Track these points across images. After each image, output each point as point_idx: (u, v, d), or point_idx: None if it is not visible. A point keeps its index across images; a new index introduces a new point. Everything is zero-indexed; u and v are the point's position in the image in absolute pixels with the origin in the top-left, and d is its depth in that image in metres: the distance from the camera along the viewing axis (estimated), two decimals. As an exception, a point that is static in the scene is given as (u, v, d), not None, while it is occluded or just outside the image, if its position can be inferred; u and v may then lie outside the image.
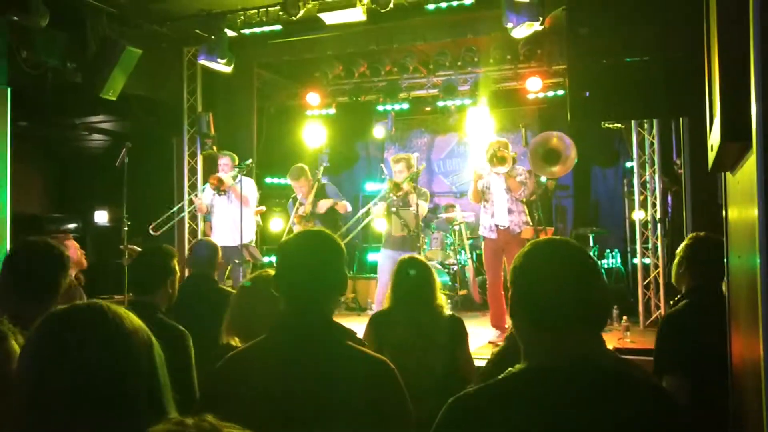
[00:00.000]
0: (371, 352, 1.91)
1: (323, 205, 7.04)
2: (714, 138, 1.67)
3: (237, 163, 7.08)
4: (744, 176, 1.51)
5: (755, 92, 1.24)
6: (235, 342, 2.51)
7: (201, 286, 4.18)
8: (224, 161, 7.16)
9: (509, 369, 1.50)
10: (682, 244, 3.14)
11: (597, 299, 1.51)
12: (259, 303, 2.52)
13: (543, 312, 1.48)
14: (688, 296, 3.05)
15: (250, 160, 7.15)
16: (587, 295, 1.48)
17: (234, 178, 6.94)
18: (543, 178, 8.32)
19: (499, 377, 1.51)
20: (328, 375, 1.81)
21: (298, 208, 7.11)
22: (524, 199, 6.47)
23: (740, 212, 1.61)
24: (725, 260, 2.00)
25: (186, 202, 8.12)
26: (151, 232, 7.15)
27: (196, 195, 7.46)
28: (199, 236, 8.64)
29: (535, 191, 8.47)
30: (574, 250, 1.56)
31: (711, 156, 1.77)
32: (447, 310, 3.67)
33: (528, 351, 1.51)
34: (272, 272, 2.66)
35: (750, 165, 1.37)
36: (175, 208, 7.29)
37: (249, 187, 7.16)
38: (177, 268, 3.20)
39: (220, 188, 6.83)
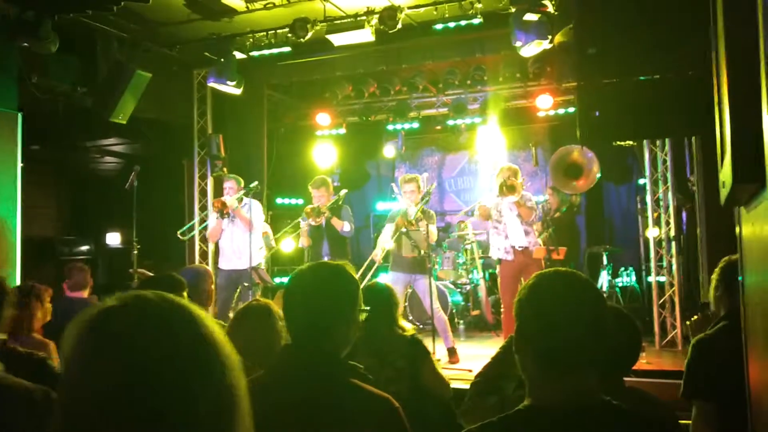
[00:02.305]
0: (375, 390, 1.85)
1: (336, 222, 6.97)
2: (725, 176, 1.61)
3: (242, 185, 7.03)
4: (758, 217, 1.45)
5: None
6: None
7: None
8: (229, 184, 7.13)
9: (516, 408, 1.44)
10: (718, 267, 3.09)
11: (608, 337, 1.45)
12: (252, 334, 2.46)
13: (551, 350, 1.43)
14: (727, 319, 2.98)
15: (255, 183, 7.11)
16: (598, 333, 1.43)
17: (239, 200, 6.91)
18: (567, 194, 8.27)
19: (504, 415, 1.45)
20: (330, 413, 1.76)
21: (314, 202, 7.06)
22: (533, 223, 6.45)
23: (758, 248, 1.56)
24: (741, 276, 1.95)
25: (200, 220, 8.07)
26: (179, 236, 7.12)
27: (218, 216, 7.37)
28: (210, 260, 8.60)
29: (559, 208, 8.41)
30: (582, 284, 1.50)
31: (723, 192, 1.71)
32: (409, 332, 3.55)
33: (534, 389, 1.45)
34: (264, 301, 2.62)
35: (765, 209, 1.33)
36: (190, 223, 7.20)
37: (255, 210, 7.13)
38: (185, 296, 3.13)
39: (223, 211, 6.80)
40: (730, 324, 2.91)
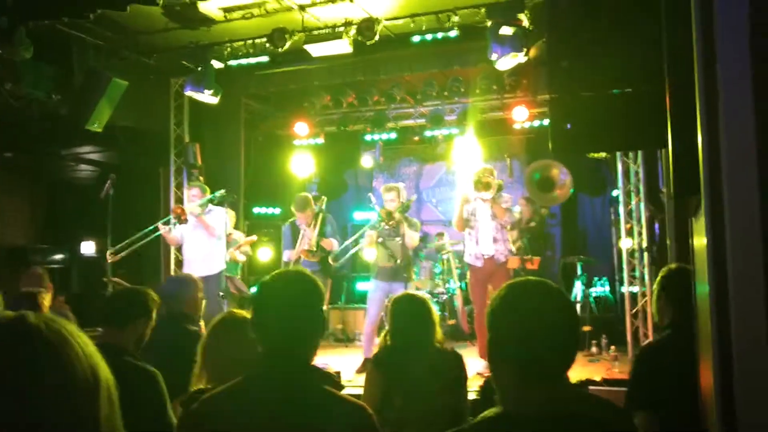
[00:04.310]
0: (350, 398, 1.88)
1: (326, 243, 6.97)
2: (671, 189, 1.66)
3: (207, 193, 7.01)
4: (700, 228, 1.49)
5: (702, 146, 1.23)
6: (205, 387, 2.42)
7: (169, 328, 3.62)
8: (193, 192, 7.13)
9: (483, 413, 1.44)
10: (658, 277, 3.10)
11: (575, 344, 1.47)
12: (229, 346, 2.44)
13: (529, 360, 1.44)
14: (670, 328, 2.99)
15: (222, 191, 7.09)
16: (568, 341, 1.45)
17: (202, 207, 6.87)
18: (537, 206, 8.34)
19: (475, 421, 1.46)
20: (305, 421, 1.77)
21: (301, 240, 7.00)
22: (509, 227, 6.46)
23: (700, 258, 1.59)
24: (693, 291, 1.98)
25: (164, 225, 7.90)
26: (108, 258, 6.75)
27: (164, 222, 7.34)
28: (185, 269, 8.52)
29: (533, 218, 8.48)
30: (552, 293, 1.52)
31: (673, 204, 1.77)
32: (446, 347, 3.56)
33: (507, 396, 1.46)
34: (240, 312, 2.60)
35: (702, 220, 1.37)
36: (139, 234, 7.07)
37: (217, 216, 7.08)
38: (153, 313, 3.08)
39: (181, 217, 6.77)
40: (673, 333, 2.93)
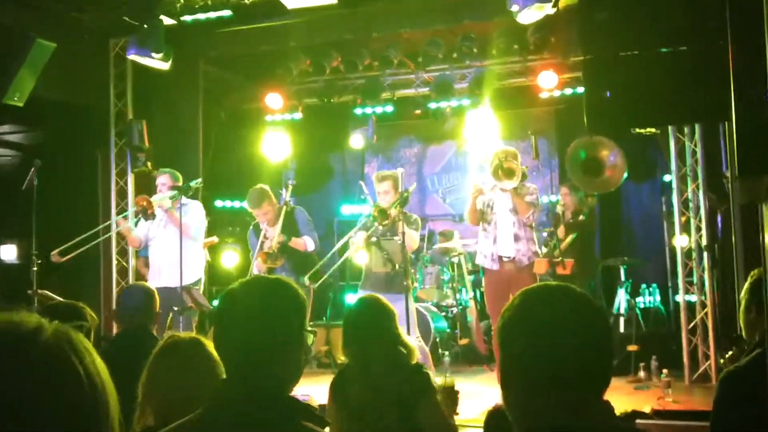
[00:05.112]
0: None
1: (297, 243, 6.96)
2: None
3: (180, 182, 7.01)
4: None
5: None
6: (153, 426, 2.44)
7: (137, 344, 3.67)
8: (162, 180, 7.12)
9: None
10: (747, 282, 3.12)
11: (607, 363, 1.48)
12: (175, 377, 2.45)
13: (542, 384, 1.44)
14: (762, 346, 3.01)
15: (198, 180, 7.07)
16: (599, 359, 1.45)
17: (172, 199, 6.87)
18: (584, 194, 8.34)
19: None
20: None
21: (262, 243, 7.01)
22: (533, 224, 6.47)
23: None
24: (764, 292, 1.98)
25: (116, 223, 7.89)
26: (53, 259, 6.75)
27: (124, 217, 7.32)
28: (131, 278, 8.52)
29: (581, 210, 8.44)
30: (578, 300, 1.52)
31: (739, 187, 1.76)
32: (414, 358, 3.64)
33: (521, 428, 1.47)
34: (185, 336, 2.61)
35: None
36: (92, 231, 7.05)
37: (194, 212, 7.10)
38: (91, 333, 3.10)
39: (147, 211, 6.76)
40: (763, 352, 2.94)
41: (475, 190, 6.51)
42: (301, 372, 2.00)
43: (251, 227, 7.43)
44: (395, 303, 6.50)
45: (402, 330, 3.72)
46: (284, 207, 7.06)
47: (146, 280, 8.31)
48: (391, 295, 6.51)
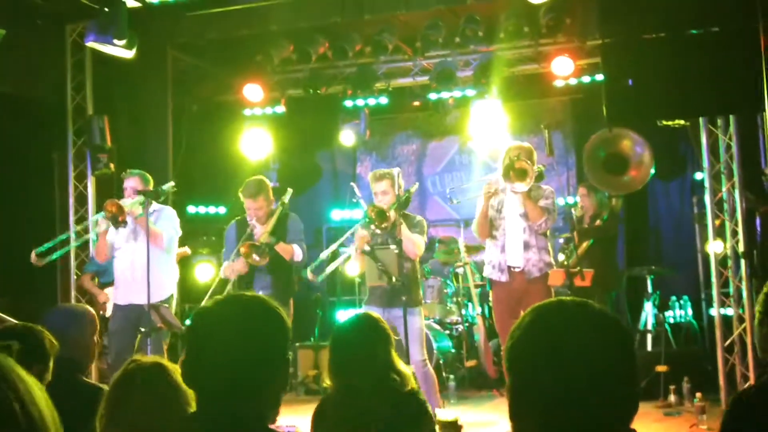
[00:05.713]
0: None
1: (284, 249, 6.96)
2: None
3: (151, 186, 6.99)
4: None
5: None
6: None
7: (61, 380, 3.31)
8: (131, 183, 7.07)
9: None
10: (761, 294, 3.11)
11: (632, 387, 1.48)
12: (139, 408, 2.45)
13: (556, 412, 1.45)
14: None
15: (171, 184, 7.06)
16: (621, 384, 1.45)
17: (141, 205, 6.86)
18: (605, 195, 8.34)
19: None
20: None
21: (250, 234, 6.97)
22: (546, 232, 6.46)
23: None
24: None
25: (95, 222, 7.86)
26: (33, 261, 6.76)
27: (96, 223, 7.28)
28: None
29: (600, 213, 8.44)
30: (596, 317, 1.52)
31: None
32: (408, 385, 3.60)
33: None
34: (149, 360, 2.60)
35: None
36: (71, 233, 7.03)
37: (168, 219, 7.09)
38: (50, 361, 3.10)
39: (118, 218, 6.74)
40: None
41: (486, 191, 6.46)
42: (280, 401, 2.00)
43: (233, 222, 7.29)
44: (399, 320, 6.52)
45: (395, 357, 3.62)
46: (279, 208, 7.03)
47: (99, 299, 8.32)
48: (395, 310, 6.47)
